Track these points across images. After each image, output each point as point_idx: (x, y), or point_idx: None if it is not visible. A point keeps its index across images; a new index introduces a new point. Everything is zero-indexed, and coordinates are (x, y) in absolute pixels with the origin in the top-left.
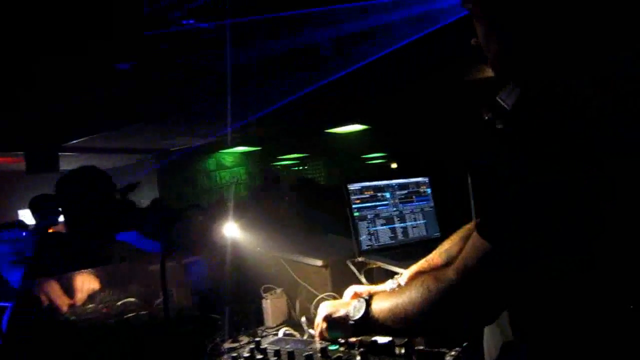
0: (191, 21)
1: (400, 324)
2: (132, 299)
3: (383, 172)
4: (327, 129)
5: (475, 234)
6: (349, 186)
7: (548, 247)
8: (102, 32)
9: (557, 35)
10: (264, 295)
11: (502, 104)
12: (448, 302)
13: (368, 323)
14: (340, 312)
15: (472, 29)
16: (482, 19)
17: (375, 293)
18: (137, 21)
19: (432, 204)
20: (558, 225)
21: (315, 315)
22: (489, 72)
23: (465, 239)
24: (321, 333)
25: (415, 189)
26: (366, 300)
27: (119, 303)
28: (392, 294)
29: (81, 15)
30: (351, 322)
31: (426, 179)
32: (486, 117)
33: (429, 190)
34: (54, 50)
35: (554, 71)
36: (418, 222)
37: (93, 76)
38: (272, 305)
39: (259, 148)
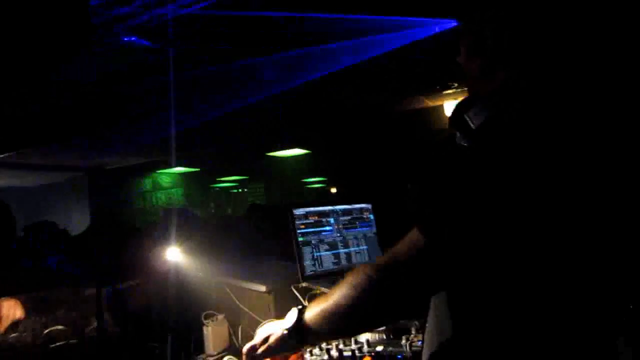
0: (133, 38)
1: (334, 323)
2: (61, 327)
3: (324, 197)
4: (268, 152)
5: (413, 230)
6: (294, 211)
7: (482, 250)
8: (38, 40)
9: (536, 64)
10: (204, 321)
11: (469, 122)
12: (374, 292)
13: (302, 329)
14: (278, 331)
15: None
16: (467, 40)
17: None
18: (76, 32)
19: (374, 230)
20: (497, 232)
21: None
22: (423, 104)
23: None
24: (252, 354)
25: (359, 215)
26: (299, 309)
27: (46, 331)
28: (323, 296)
29: (16, 21)
30: (284, 330)
31: (369, 205)
32: (450, 133)
33: (371, 216)
34: None
35: (528, 97)
36: (361, 247)
37: (22, 86)
38: (213, 332)
39: (197, 169)
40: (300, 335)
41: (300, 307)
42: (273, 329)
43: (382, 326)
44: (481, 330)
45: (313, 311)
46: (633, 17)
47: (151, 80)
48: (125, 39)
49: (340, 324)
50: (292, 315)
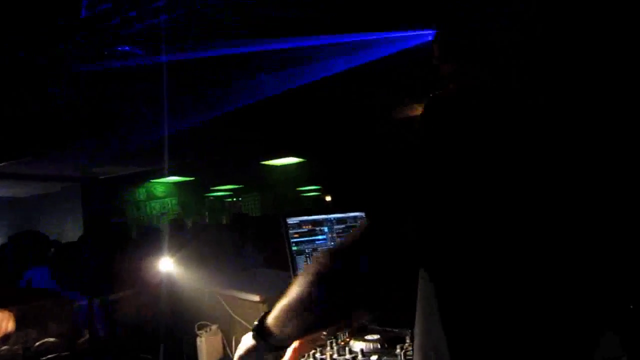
0: (126, 47)
1: (293, 316)
2: (52, 339)
3: (319, 205)
4: (262, 161)
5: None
6: (287, 220)
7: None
8: (31, 49)
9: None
10: (198, 332)
11: None
12: (328, 276)
13: (263, 329)
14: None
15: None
16: (440, 44)
17: None
18: (69, 43)
19: None
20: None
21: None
22: (416, 111)
23: None
24: None
25: (353, 224)
26: (266, 312)
27: (37, 343)
28: (283, 295)
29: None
30: (252, 330)
31: (363, 214)
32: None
33: None
34: None
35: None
36: None
37: (16, 96)
38: (206, 343)
39: (192, 178)
40: (262, 336)
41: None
42: (248, 336)
43: (341, 316)
44: (464, 327)
45: (275, 311)
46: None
47: (145, 89)
48: (119, 48)
49: (299, 315)
50: (259, 316)
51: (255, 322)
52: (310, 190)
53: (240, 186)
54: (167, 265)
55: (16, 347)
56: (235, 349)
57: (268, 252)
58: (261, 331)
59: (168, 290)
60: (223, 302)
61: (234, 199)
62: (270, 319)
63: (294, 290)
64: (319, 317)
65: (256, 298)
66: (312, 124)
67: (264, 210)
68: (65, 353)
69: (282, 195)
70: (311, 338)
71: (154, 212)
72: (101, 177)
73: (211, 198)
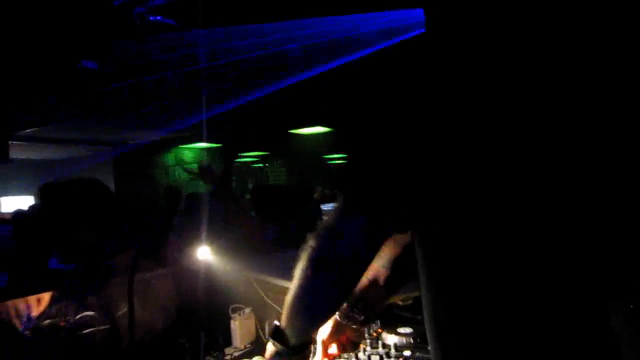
0: (158, 17)
1: (299, 313)
2: (91, 313)
3: None
4: (290, 129)
5: None
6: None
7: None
8: (65, 24)
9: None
10: (232, 315)
11: None
12: (311, 268)
13: (280, 331)
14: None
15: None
16: None
17: None
18: (101, 13)
19: None
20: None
21: None
22: None
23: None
24: None
25: None
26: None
27: (77, 317)
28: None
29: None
30: (269, 336)
31: None
32: None
33: None
34: (14, 39)
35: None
36: None
37: (51, 67)
38: (240, 326)
39: (219, 145)
40: (279, 340)
41: None
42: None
43: (343, 297)
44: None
45: (283, 309)
46: None
47: (177, 57)
48: (151, 19)
49: (304, 306)
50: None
51: (272, 327)
52: (335, 158)
53: (267, 153)
54: (205, 250)
55: (58, 318)
56: (268, 332)
57: (291, 230)
58: (277, 335)
59: (204, 272)
60: (256, 286)
61: (262, 165)
62: (283, 320)
63: (294, 283)
64: (323, 303)
65: (288, 284)
66: (341, 93)
67: (291, 179)
68: (103, 327)
69: (308, 163)
70: (346, 342)
71: (183, 177)
72: (131, 142)
73: (238, 164)
